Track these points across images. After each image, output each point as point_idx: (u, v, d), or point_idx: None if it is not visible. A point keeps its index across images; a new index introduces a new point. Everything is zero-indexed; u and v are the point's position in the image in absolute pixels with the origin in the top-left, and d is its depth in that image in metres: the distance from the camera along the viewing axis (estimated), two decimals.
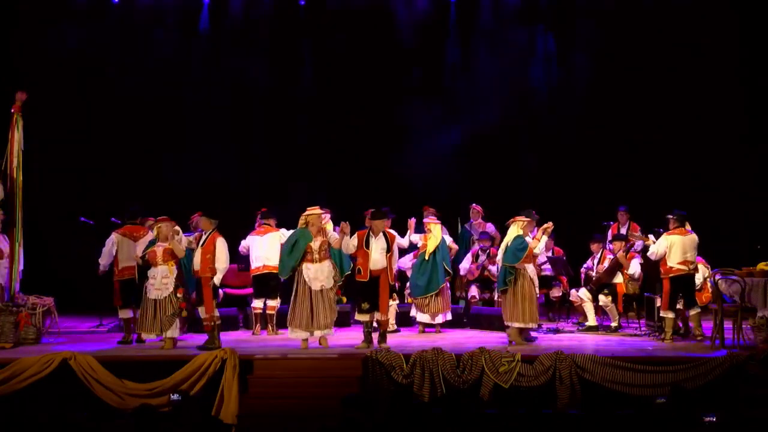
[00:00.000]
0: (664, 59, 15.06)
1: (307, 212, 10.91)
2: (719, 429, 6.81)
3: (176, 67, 15.56)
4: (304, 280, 10.70)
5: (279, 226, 13.97)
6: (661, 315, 11.22)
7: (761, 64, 14.76)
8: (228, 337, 11.69)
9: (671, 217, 11.45)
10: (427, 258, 12.14)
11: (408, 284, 13.13)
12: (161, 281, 10.85)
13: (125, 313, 11.61)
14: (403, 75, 15.44)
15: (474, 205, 13.75)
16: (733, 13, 14.77)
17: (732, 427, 6.78)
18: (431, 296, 12.12)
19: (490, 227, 13.68)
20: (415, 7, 15.62)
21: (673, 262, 11.11)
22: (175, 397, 8.76)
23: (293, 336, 10.76)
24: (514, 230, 11.15)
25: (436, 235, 12.23)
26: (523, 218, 11.22)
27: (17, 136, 11.68)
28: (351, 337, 11.85)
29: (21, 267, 11.69)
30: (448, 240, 12.57)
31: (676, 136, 15.03)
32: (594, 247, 12.71)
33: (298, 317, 10.65)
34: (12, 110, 11.73)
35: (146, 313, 10.88)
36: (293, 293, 10.76)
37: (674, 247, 11.11)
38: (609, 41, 15.28)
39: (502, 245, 11.23)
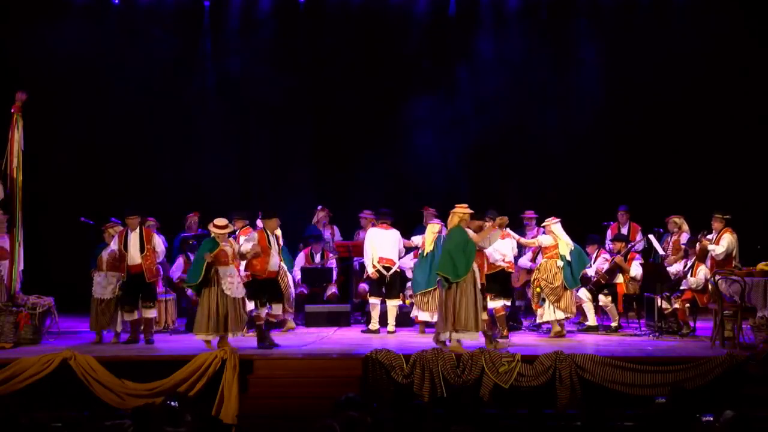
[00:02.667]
0: (667, 59, 15.06)
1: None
2: (724, 428, 6.80)
3: (176, 68, 15.55)
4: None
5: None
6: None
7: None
8: (228, 337, 11.69)
9: (721, 216, 11.48)
10: (425, 255, 12.16)
11: (408, 284, 13.15)
12: (233, 280, 10.79)
13: (131, 315, 11.62)
14: (403, 75, 15.42)
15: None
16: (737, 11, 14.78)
17: (734, 426, 6.76)
18: (431, 293, 12.10)
19: None
20: (416, 7, 15.61)
21: (737, 260, 11.19)
22: (173, 403, 8.72)
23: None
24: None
25: (433, 232, 12.20)
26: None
27: (17, 136, 11.67)
28: (351, 337, 11.87)
29: (21, 267, 11.69)
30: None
31: (676, 136, 15.04)
32: (590, 249, 12.70)
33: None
34: (12, 110, 11.72)
35: (228, 312, 10.74)
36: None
37: (737, 246, 11.22)
38: (610, 41, 15.29)
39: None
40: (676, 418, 7.29)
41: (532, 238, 13.65)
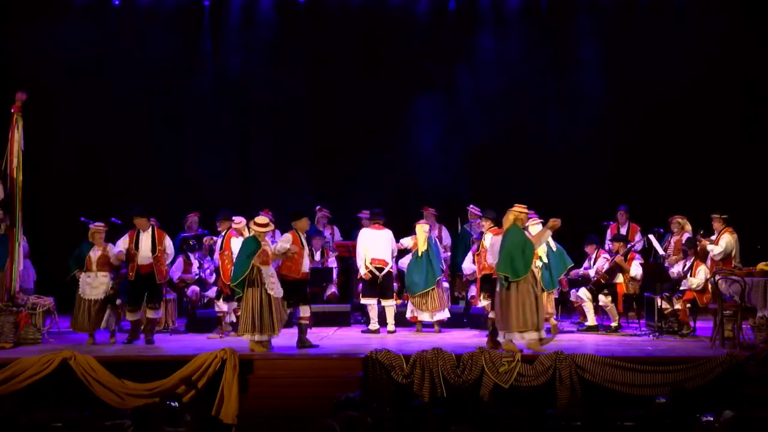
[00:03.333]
0: (667, 59, 15.06)
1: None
2: (724, 428, 6.80)
3: (176, 68, 15.54)
4: None
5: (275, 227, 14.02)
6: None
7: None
8: (228, 337, 11.71)
9: (719, 216, 11.50)
10: (420, 255, 12.16)
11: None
12: (274, 280, 10.80)
13: (133, 315, 11.62)
14: (403, 74, 15.41)
15: (471, 207, 13.74)
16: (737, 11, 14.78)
17: (734, 426, 6.76)
18: (429, 293, 12.12)
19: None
20: (416, 7, 15.60)
21: (736, 260, 11.19)
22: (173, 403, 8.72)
23: None
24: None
25: (424, 231, 12.34)
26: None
27: (17, 136, 11.67)
28: (351, 337, 11.86)
29: (21, 267, 11.69)
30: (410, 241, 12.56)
31: (676, 136, 15.04)
32: (589, 249, 12.70)
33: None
34: (12, 110, 11.72)
35: (273, 312, 10.75)
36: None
37: (736, 245, 11.22)
38: (610, 41, 15.28)
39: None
40: (676, 418, 7.29)
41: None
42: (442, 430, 7.14)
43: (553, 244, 11.78)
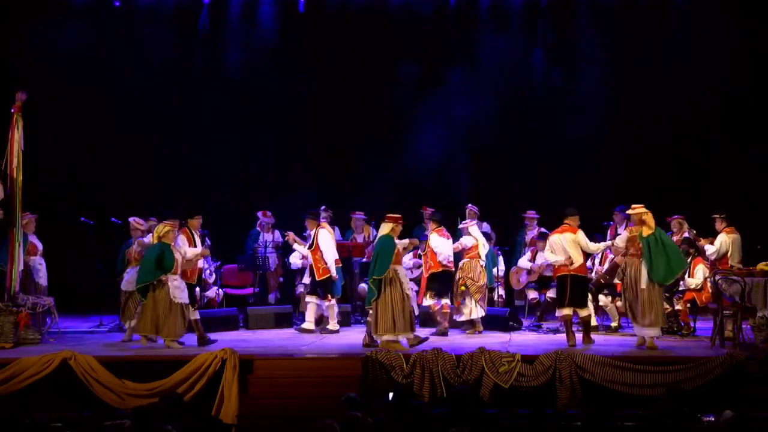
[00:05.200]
0: (666, 59, 15.07)
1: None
2: (724, 428, 6.80)
3: (176, 68, 15.54)
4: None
5: (275, 227, 14.03)
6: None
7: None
8: (228, 337, 11.70)
9: (720, 216, 11.51)
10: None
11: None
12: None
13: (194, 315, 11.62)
14: (403, 74, 15.41)
15: (469, 206, 13.76)
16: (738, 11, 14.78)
17: (734, 426, 6.76)
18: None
19: (486, 227, 13.69)
20: (416, 7, 15.59)
21: (735, 260, 11.17)
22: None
23: None
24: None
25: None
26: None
27: (17, 136, 11.67)
28: (351, 337, 11.86)
29: (21, 267, 11.69)
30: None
31: (676, 136, 15.04)
32: None
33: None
34: (12, 110, 11.72)
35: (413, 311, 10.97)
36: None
37: (734, 245, 11.19)
38: (611, 41, 15.27)
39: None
40: (676, 418, 7.29)
41: (532, 238, 13.70)
42: (442, 430, 7.14)
43: (486, 244, 12.26)
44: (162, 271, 10.86)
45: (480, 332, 11.94)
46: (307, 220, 12.47)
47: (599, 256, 12.57)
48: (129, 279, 11.63)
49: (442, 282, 11.99)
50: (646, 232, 10.71)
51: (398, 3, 15.57)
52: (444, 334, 11.81)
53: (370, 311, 10.87)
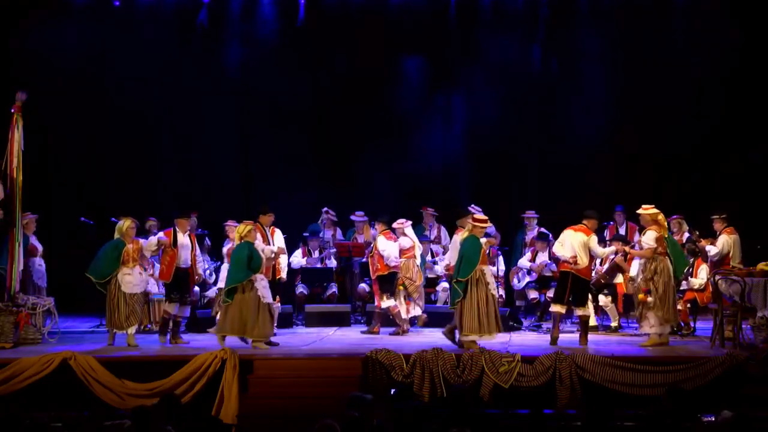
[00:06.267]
0: (666, 58, 15.07)
1: None
2: (722, 428, 6.79)
3: (176, 68, 15.53)
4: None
5: (275, 225, 14.01)
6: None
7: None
8: (228, 337, 11.68)
9: (719, 217, 11.53)
10: None
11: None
12: None
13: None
14: (403, 74, 15.41)
15: (470, 207, 13.75)
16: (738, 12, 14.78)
17: (733, 426, 6.75)
18: None
19: (490, 229, 13.68)
20: (417, 7, 15.59)
21: (736, 261, 11.19)
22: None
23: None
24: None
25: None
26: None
27: (17, 136, 11.67)
28: (351, 337, 11.86)
29: (21, 267, 11.69)
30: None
31: (676, 136, 15.04)
32: None
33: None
34: (12, 110, 11.72)
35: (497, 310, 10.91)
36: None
37: (735, 245, 11.21)
38: (610, 41, 15.28)
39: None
40: (676, 418, 7.29)
41: (532, 238, 13.70)
42: (442, 430, 7.14)
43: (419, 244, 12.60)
44: (252, 271, 10.82)
45: (405, 332, 12.04)
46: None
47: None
48: (131, 281, 11.47)
49: (391, 283, 12.18)
50: (665, 231, 10.90)
51: (399, 2, 15.56)
52: (405, 333, 12.01)
53: (455, 311, 10.79)
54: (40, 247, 12.48)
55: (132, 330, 11.18)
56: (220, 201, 15.08)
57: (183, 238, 11.54)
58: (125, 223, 11.32)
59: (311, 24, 15.64)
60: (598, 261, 12.58)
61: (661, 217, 10.96)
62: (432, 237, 13.90)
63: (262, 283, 10.94)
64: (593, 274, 12.36)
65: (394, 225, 12.44)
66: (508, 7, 15.58)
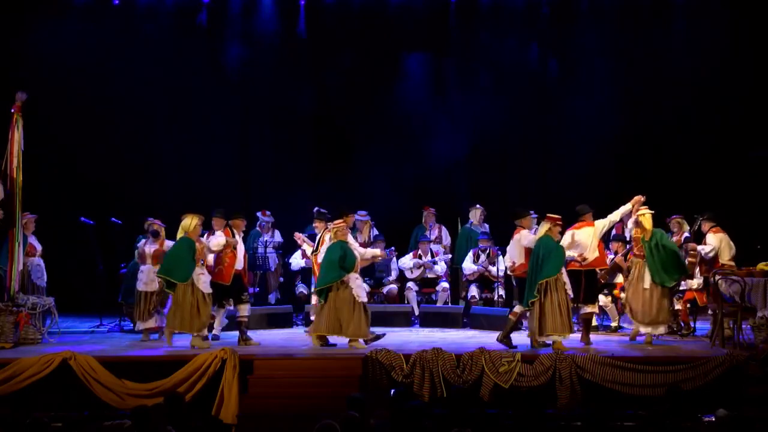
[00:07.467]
0: (668, 59, 15.07)
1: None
2: (723, 427, 6.80)
3: (176, 67, 15.53)
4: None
5: (275, 226, 14.03)
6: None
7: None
8: (228, 337, 11.70)
9: (706, 216, 11.53)
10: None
11: (408, 285, 13.21)
12: None
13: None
14: (404, 74, 15.41)
15: (477, 205, 13.75)
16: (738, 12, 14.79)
17: (733, 426, 6.76)
18: None
19: (485, 227, 13.69)
20: (417, 6, 15.58)
21: (725, 258, 11.20)
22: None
23: None
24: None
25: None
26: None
27: (17, 136, 11.66)
28: None
29: (20, 267, 11.69)
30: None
31: (676, 136, 15.04)
32: None
33: None
34: (12, 110, 11.72)
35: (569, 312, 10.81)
36: None
37: (723, 243, 11.23)
38: (612, 41, 15.28)
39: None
40: (676, 418, 7.30)
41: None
42: (442, 430, 7.14)
43: None
44: (345, 270, 10.78)
45: None
46: (316, 221, 12.32)
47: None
48: (145, 279, 11.57)
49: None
50: (647, 236, 10.81)
51: (398, 2, 15.55)
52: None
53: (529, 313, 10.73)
54: (39, 247, 12.46)
55: (206, 331, 11.02)
56: (220, 201, 15.05)
57: (239, 239, 11.51)
58: (192, 221, 11.04)
59: (311, 24, 15.64)
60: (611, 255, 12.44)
61: (642, 218, 10.88)
62: (432, 237, 13.87)
63: (356, 282, 10.87)
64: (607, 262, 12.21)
65: (330, 225, 11.88)
66: (508, 5, 15.57)
